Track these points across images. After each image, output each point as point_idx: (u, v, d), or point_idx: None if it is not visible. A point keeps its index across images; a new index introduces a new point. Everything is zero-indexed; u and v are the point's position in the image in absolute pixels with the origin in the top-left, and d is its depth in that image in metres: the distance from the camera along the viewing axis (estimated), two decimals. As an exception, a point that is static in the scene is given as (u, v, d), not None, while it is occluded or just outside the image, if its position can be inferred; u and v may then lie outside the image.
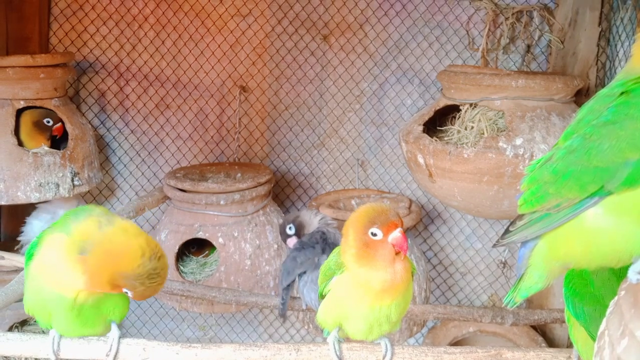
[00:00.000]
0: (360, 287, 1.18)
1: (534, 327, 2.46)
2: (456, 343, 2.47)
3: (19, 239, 2.37)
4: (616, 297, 0.86)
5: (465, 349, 1.27)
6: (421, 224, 2.64)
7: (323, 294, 1.28)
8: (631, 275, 0.87)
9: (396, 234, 1.15)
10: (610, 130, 0.89)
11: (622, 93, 0.91)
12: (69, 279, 1.12)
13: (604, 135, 0.90)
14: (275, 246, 2.25)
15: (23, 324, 2.32)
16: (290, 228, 1.88)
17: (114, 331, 1.24)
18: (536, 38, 2.43)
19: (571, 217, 0.96)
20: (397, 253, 1.16)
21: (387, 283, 1.16)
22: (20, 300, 1.52)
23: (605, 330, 0.83)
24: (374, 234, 1.15)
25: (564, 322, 2.01)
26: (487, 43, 2.39)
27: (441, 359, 1.24)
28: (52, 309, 1.18)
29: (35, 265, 1.17)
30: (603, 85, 2.26)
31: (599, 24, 2.24)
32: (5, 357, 1.25)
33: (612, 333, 0.80)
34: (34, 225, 2.34)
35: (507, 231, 1.10)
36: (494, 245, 1.18)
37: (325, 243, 1.77)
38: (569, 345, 2.32)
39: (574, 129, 0.98)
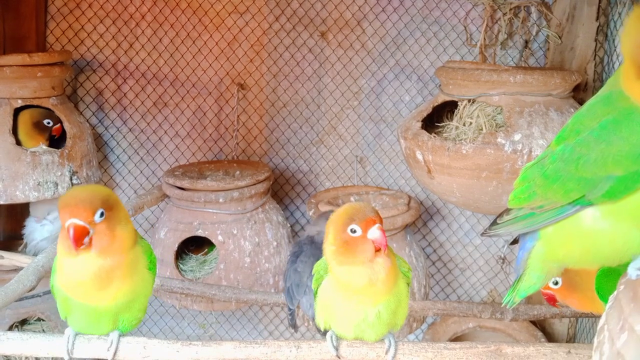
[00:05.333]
0: (343, 289, 1.18)
1: (533, 323, 2.46)
2: (456, 339, 2.47)
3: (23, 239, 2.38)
4: (615, 292, 0.87)
5: (465, 344, 1.27)
6: (420, 220, 2.64)
7: (316, 296, 1.29)
8: (631, 271, 0.89)
9: (374, 230, 1.14)
10: (598, 145, 0.94)
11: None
12: None
13: (592, 148, 0.95)
14: (275, 243, 2.25)
15: (23, 323, 2.32)
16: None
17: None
18: (534, 33, 2.43)
19: (552, 222, 1.01)
20: (377, 250, 1.15)
21: (366, 279, 1.15)
22: (20, 299, 1.52)
23: (604, 325, 0.83)
24: (353, 231, 1.15)
25: (563, 317, 2.01)
26: (485, 39, 2.39)
27: (441, 355, 1.25)
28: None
29: None
30: (601, 80, 2.26)
31: (597, 18, 2.23)
32: (6, 356, 1.25)
33: (612, 327, 0.80)
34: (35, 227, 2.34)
35: (494, 223, 1.14)
36: (482, 234, 1.23)
37: (315, 247, 1.76)
38: (568, 340, 2.32)
39: (566, 135, 1.02)
